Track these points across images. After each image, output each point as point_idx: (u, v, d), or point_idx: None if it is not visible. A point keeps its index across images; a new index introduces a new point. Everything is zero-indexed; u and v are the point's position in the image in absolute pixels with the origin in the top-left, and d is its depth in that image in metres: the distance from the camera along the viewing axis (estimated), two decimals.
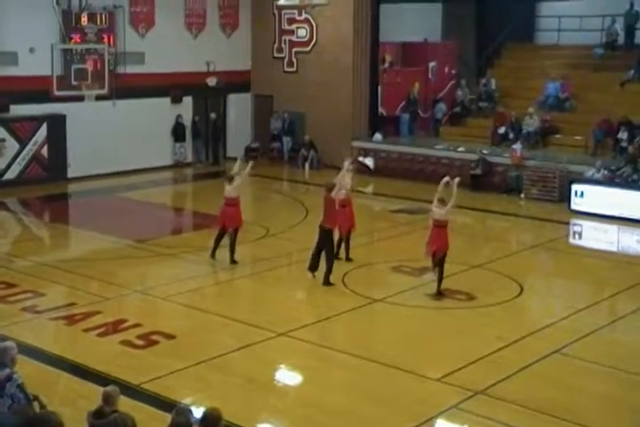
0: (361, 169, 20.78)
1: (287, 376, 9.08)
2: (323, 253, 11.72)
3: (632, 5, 21.05)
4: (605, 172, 16.98)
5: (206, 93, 22.07)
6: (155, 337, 9.72)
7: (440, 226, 11.28)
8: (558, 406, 8.11)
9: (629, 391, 8.59)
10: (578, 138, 19.37)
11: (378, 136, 21.33)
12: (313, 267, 11.91)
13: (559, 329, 10.29)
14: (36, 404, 6.17)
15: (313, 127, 21.80)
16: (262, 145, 22.96)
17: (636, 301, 11.52)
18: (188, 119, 21.71)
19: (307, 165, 21.52)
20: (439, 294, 11.30)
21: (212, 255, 12.74)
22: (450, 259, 11.59)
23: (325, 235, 11.67)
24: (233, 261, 12.63)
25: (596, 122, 18.85)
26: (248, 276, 12.54)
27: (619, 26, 21.50)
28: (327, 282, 11.69)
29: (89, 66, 17.23)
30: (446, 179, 11.57)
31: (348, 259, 12.79)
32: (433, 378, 8.70)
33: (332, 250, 11.83)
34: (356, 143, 21.28)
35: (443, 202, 11.30)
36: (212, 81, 22.00)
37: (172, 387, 8.39)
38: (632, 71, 20.15)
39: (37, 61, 17.73)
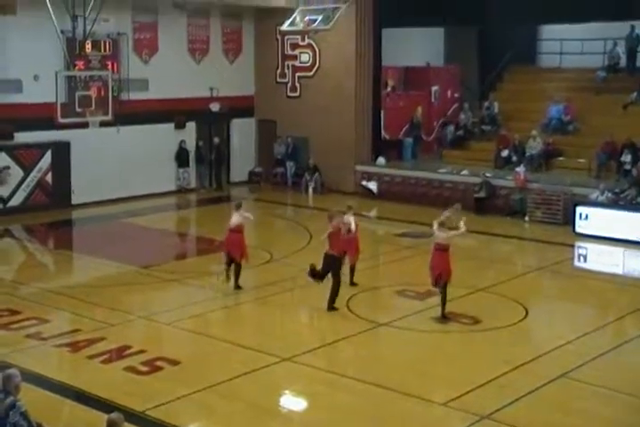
0: (365, 193, 20.94)
1: (292, 402, 9.09)
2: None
3: (633, 28, 21.28)
4: (609, 194, 17.03)
5: (210, 119, 22.21)
6: (159, 363, 9.74)
7: (442, 249, 11.36)
8: None
9: (636, 416, 8.57)
10: (581, 161, 19.45)
11: (381, 160, 21.44)
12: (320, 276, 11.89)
13: (565, 353, 10.30)
14: None
15: (316, 152, 21.93)
16: (266, 170, 23.09)
17: None
18: (191, 144, 21.87)
19: (310, 190, 21.61)
20: (444, 318, 11.35)
21: (228, 279, 12.76)
22: (454, 282, 11.63)
23: (331, 260, 11.73)
24: (237, 287, 12.70)
25: (599, 145, 18.95)
26: (252, 301, 12.58)
27: (620, 49, 21.73)
28: (331, 307, 11.74)
29: (93, 93, 17.36)
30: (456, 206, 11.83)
31: (353, 283, 12.84)
32: (438, 402, 8.71)
33: (339, 276, 11.89)
34: (359, 167, 21.39)
35: (443, 225, 11.39)
36: (215, 106, 22.16)
37: (177, 413, 8.40)
38: (635, 94, 20.30)
39: (41, 89, 17.92)
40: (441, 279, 11.29)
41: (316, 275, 11.77)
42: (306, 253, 15.08)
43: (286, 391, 9.24)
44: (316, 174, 21.65)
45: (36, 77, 18.39)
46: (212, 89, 22.06)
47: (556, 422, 8.30)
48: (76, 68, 18.22)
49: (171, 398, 8.72)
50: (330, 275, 11.72)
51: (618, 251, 16.03)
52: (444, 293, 11.33)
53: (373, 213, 19.52)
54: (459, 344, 10.70)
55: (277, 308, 12.10)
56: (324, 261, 11.72)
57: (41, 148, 18.84)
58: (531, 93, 22.35)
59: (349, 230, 12.41)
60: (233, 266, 12.69)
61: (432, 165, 20.96)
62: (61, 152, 19.12)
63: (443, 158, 21.91)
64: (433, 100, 23.50)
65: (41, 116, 17.91)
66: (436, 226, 11.45)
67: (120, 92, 19.78)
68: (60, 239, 17.62)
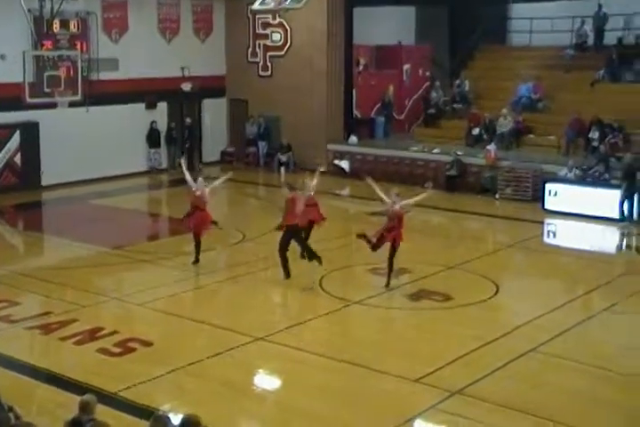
0: (337, 172, 20.89)
1: (265, 381, 9.08)
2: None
3: (600, 7, 21.31)
4: (578, 171, 17.15)
5: (181, 99, 22.03)
6: (131, 344, 9.66)
7: (400, 220, 11.55)
8: (534, 403, 8.18)
9: (603, 387, 8.68)
10: (550, 138, 19.55)
11: (353, 139, 21.41)
12: (288, 274, 12.03)
13: (534, 328, 10.37)
14: (11, 415, 6.12)
15: (288, 131, 21.83)
16: (238, 150, 22.97)
17: (608, 298, 11.65)
18: (162, 125, 21.67)
19: (282, 169, 21.49)
20: (388, 286, 11.57)
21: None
22: (426, 260, 11.68)
23: (288, 231, 11.93)
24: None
25: (567, 122, 19.03)
26: (225, 281, 12.51)
27: (588, 27, 21.77)
28: (312, 256, 12.05)
29: (61, 72, 17.09)
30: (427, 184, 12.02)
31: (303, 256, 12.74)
32: (410, 379, 8.73)
33: (302, 239, 12.20)
34: (331, 146, 21.34)
35: (399, 196, 11.65)
36: (186, 86, 21.97)
37: (150, 394, 8.35)
38: (602, 71, 20.39)
39: (9, 68, 17.57)
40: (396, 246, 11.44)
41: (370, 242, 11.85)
42: (279, 233, 14.99)
43: (260, 370, 9.23)
44: (288, 154, 21.54)
45: (2, 57, 18.00)
46: (183, 69, 21.83)
47: (526, 395, 8.37)
48: (44, 47, 17.87)
49: (144, 379, 8.67)
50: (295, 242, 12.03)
51: (586, 227, 16.17)
52: (392, 261, 11.49)
53: (345, 191, 19.53)
54: (430, 321, 10.74)
55: (250, 287, 12.05)
56: (283, 234, 11.97)
57: (9, 128, 18.51)
58: (501, 72, 22.37)
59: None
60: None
61: (404, 144, 20.95)
62: (30, 133, 18.81)
63: (414, 137, 21.90)
64: (404, 78, 23.45)
65: (8, 97, 17.58)
66: (394, 197, 11.63)
67: (89, 72, 19.47)
68: (30, 221, 17.39)
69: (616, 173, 16.83)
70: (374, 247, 11.76)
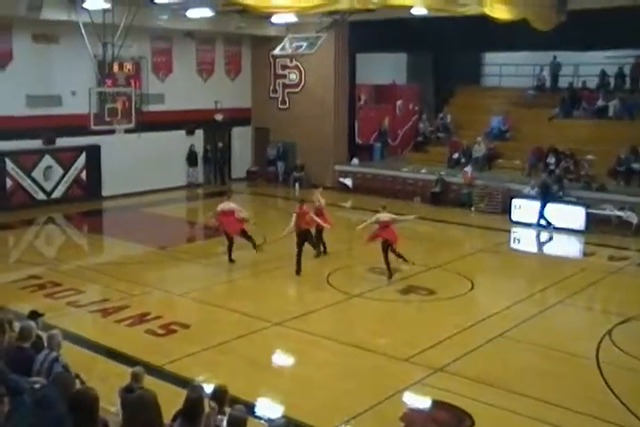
0: (342, 187, 20.91)
1: (282, 359, 9.12)
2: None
3: (555, 58, 21.45)
4: (538, 189, 17.11)
5: (214, 127, 22.05)
6: (173, 327, 9.71)
7: (387, 226, 11.65)
8: (499, 378, 8.20)
9: (554, 364, 8.70)
10: (516, 162, 19.51)
11: (355, 161, 21.42)
12: (299, 271, 12.10)
13: (502, 317, 10.38)
14: (77, 381, 6.17)
15: (302, 153, 21.84)
16: (261, 169, 23.00)
17: (561, 293, 11.63)
18: (199, 148, 21.74)
19: (297, 185, 21.58)
20: (390, 278, 11.76)
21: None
22: (414, 261, 11.65)
23: (301, 234, 12.14)
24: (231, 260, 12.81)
25: (530, 149, 19.03)
26: (249, 276, 12.55)
27: (546, 73, 21.82)
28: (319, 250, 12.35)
29: (119, 105, 17.18)
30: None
31: (326, 252, 12.98)
32: (401, 359, 8.76)
33: (312, 239, 12.44)
34: (337, 167, 21.34)
35: (385, 208, 11.90)
36: (218, 117, 22.03)
37: (188, 368, 8.38)
38: (557, 109, 20.40)
39: (78, 102, 17.71)
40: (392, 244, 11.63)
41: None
42: (293, 237, 15.03)
43: (277, 350, 9.26)
44: (302, 172, 21.60)
45: (73, 93, 18.15)
46: (216, 102, 21.90)
47: (496, 373, 8.38)
48: (106, 85, 18.01)
49: (183, 355, 8.71)
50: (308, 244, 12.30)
51: (544, 234, 16.14)
52: (387, 256, 11.69)
53: (349, 204, 19.53)
54: (417, 311, 10.75)
55: (269, 281, 12.08)
56: (297, 237, 12.16)
57: (77, 150, 18.64)
58: (476, 107, 22.36)
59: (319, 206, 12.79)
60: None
61: (397, 165, 20.91)
62: (93, 154, 18.94)
63: (406, 159, 21.88)
64: (397, 112, 23.45)
65: (77, 125, 17.66)
66: (380, 210, 11.90)
67: (141, 105, 19.55)
68: (92, 225, 17.46)
69: (569, 191, 16.83)
70: (369, 240, 12.05)
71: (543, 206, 16.14)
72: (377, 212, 12.22)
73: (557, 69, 21.60)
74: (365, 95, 22.91)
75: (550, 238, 15.76)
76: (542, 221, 16.18)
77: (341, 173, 21.17)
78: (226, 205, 12.86)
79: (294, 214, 12.29)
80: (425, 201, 19.20)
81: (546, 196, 16.15)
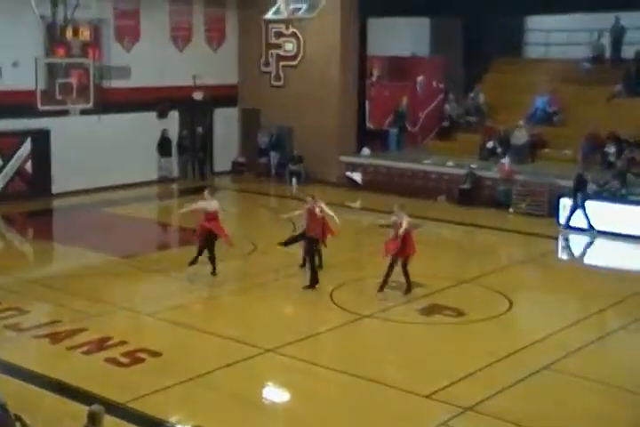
0: (349, 184, 20.93)
1: (274, 393, 9.10)
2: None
3: (618, 20, 21.33)
4: (594, 186, 17.09)
5: (192, 108, 22.06)
6: (140, 355, 9.70)
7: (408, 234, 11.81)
8: (547, 421, 8.17)
9: (617, 406, 8.65)
10: (566, 152, 19.50)
11: (366, 151, 21.42)
12: (315, 281, 12.32)
13: (548, 344, 10.36)
14: (18, 424, 6.15)
15: (300, 142, 21.86)
16: (249, 160, 23.00)
17: (623, 316, 11.63)
18: (174, 134, 21.74)
19: (294, 180, 21.57)
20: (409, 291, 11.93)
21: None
22: (438, 274, 11.68)
23: (309, 242, 12.24)
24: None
25: (584, 136, 19.00)
26: (235, 292, 12.55)
27: (605, 40, 21.79)
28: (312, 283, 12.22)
29: (73, 80, 17.22)
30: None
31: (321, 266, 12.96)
32: (421, 395, 8.73)
33: (313, 257, 12.40)
34: (343, 158, 21.35)
35: (403, 208, 11.98)
36: (198, 95, 22.01)
37: (159, 405, 8.36)
38: (619, 86, 20.36)
39: (21, 75, 17.72)
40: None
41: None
42: (291, 246, 15.06)
43: (269, 383, 9.25)
44: (300, 165, 21.59)
45: (15, 64, 18.15)
46: (194, 77, 21.88)
47: (540, 414, 8.34)
48: (57, 55, 18.03)
49: (152, 390, 8.69)
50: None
51: (601, 243, 16.13)
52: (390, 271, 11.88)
53: (357, 204, 19.57)
54: (442, 336, 10.73)
55: (260, 299, 12.08)
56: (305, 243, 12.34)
57: (20, 135, 18.66)
58: (516, 85, 22.33)
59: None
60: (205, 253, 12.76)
61: (417, 156, 20.92)
62: (41, 140, 18.95)
63: (428, 149, 21.89)
64: (418, 90, 23.45)
65: (20, 104, 17.70)
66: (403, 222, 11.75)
67: (101, 80, 19.57)
68: (40, 228, 17.51)
69: (634, 188, 16.83)
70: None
71: (578, 207, 16.34)
72: (392, 214, 12.20)
73: (620, 35, 21.52)
74: (379, 70, 22.96)
75: (608, 248, 15.78)
76: (577, 223, 16.29)
77: (349, 167, 21.17)
78: (209, 203, 12.80)
79: (307, 209, 12.32)
80: (452, 200, 19.20)
81: (580, 193, 16.38)
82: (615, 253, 15.83)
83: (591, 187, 17.01)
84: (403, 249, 11.80)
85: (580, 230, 16.53)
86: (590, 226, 16.28)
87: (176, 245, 16.68)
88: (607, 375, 9.35)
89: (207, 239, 12.65)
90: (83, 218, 17.81)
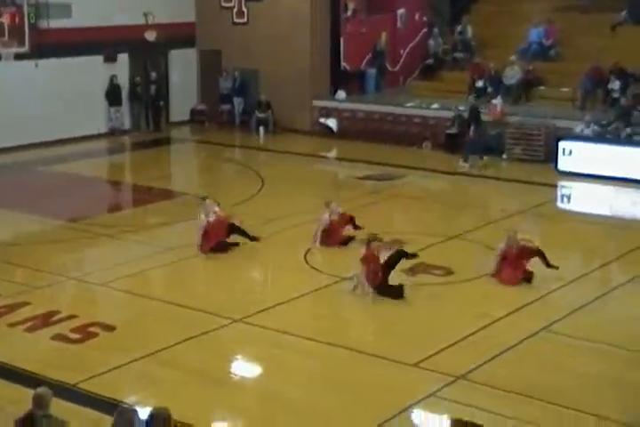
0: (323, 131, 20.84)
1: (244, 369, 9.09)
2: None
3: None
4: (595, 127, 17.15)
5: (145, 50, 21.78)
6: (92, 329, 9.66)
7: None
8: (545, 388, 8.23)
9: (623, 369, 8.73)
10: (565, 90, 19.51)
11: (341, 94, 21.30)
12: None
13: (547, 304, 10.43)
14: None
15: (268, 86, 21.68)
16: (210, 107, 22.82)
17: (629, 270, 11.73)
18: (124, 80, 21.49)
19: (262, 129, 21.43)
20: None
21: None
22: (424, 229, 11.66)
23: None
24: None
25: (584, 71, 18.95)
26: (196, 256, 12.44)
27: None
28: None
29: (5, 20, 16.87)
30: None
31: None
32: (409, 363, 8.77)
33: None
34: (316, 102, 21.25)
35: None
36: (150, 35, 21.73)
37: (114, 385, 8.35)
38: (624, 12, 20.29)
39: None
40: None
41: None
42: (258, 201, 15.00)
43: (237, 357, 9.25)
44: (268, 112, 21.41)
45: None
46: (146, 15, 21.55)
47: (539, 382, 8.40)
48: None
49: (106, 369, 8.66)
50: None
51: (605, 190, 16.21)
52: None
53: (332, 153, 19.52)
54: (430, 298, 10.77)
55: (227, 264, 12.03)
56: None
57: None
58: (508, 15, 22.24)
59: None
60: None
61: (398, 99, 20.87)
62: None
63: (410, 91, 21.81)
64: (399, 25, 23.24)
65: None
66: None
67: (38, 20, 19.14)
68: None
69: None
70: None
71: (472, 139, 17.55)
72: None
73: None
74: (354, 3, 22.62)
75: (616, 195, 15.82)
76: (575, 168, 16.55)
77: (323, 112, 21.08)
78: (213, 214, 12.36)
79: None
80: (438, 147, 19.20)
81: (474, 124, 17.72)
82: (619, 201, 15.90)
83: (595, 129, 17.06)
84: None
85: (579, 175, 16.60)
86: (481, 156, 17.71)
87: (129, 206, 16.56)
88: (611, 335, 9.43)
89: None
90: (21, 178, 17.58)
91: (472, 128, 17.93)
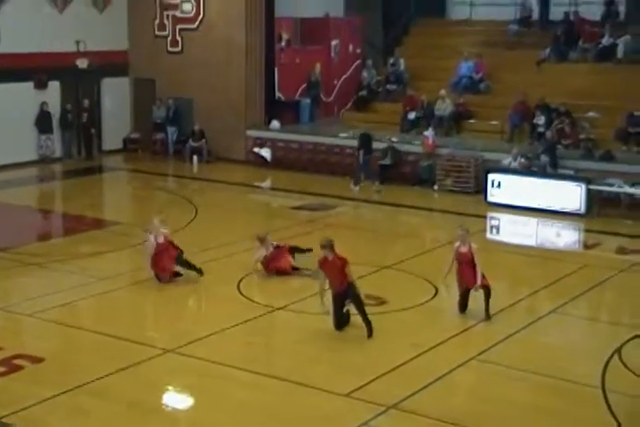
0: (257, 161, 20.87)
1: (176, 400, 9.00)
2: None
3: None
4: (522, 160, 17.49)
5: (77, 77, 21.70)
6: (18, 361, 9.46)
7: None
8: (474, 416, 8.33)
9: (550, 397, 8.89)
10: (494, 123, 19.92)
11: (275, 124, 21.40)
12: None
13: (476, 333, 10.59)
14: None
15: (202, 115, 21.71)
16: (143, 136, 22.75)
17: (555, 299, 11.97)
18: (55, 107, 21.31)
19: (195, 158, 21.38)
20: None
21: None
22: (356, 259, 11.69)
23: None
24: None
25: (511, 105, 19.42)
26: (128, 286, 12.33)
27: (533, 0, 22.29)
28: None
29: None
30: None
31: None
32: (341, 393, 8.79)
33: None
34: (250, 132, 21.32)
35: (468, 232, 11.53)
36: (82, 63, 21.66)
37: (42, 420, 8.20)
38: (548, 49, 20.86)
39: None
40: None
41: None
42: (191, 230, 14.93)
43: (169, 388, 9.13)
44: (202, 141, 21.40)
45: None
46: (78, 43, 21.50)
47: (469, 410, 8.51)
48: None
49: (33, 402, 8.49)
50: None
51: (532, 221, 16.57)
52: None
53: (267, 184, 19.54)
54: (363, 328, 10.77)
55: (159, 293, 11.94)
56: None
57: None
58: (439, 49, 22.69)
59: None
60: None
61: (332, 129, 21.06)
62: None
63: (344, 121, 22.03)
64: (333, 55, 23.53)
65: None
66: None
67: None
68: None
69: (564, 161, 17.31)
70: None
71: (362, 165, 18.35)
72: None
73: None
74: (289, 33, 22.87)
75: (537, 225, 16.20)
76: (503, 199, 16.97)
77: (257, 142, 21.13)
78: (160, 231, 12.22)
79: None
80: (370, 177, 19.33)
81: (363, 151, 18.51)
82: (545, 232, 16.25)
83: (522, 162, 17.44)
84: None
85: (507, 207, 16.94)
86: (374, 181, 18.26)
87: (60, 235, 16.27)
88: (538, 363, 9.60)
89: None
90: None
91: (361, 153, 18.54)
